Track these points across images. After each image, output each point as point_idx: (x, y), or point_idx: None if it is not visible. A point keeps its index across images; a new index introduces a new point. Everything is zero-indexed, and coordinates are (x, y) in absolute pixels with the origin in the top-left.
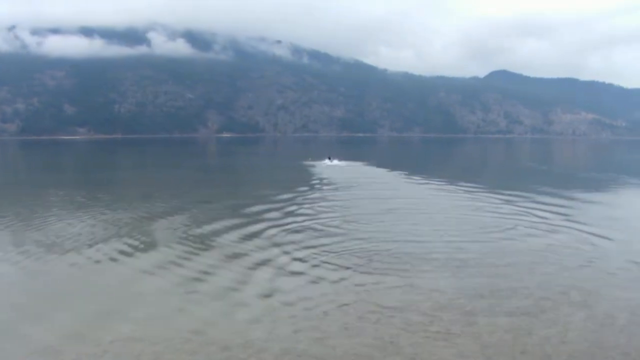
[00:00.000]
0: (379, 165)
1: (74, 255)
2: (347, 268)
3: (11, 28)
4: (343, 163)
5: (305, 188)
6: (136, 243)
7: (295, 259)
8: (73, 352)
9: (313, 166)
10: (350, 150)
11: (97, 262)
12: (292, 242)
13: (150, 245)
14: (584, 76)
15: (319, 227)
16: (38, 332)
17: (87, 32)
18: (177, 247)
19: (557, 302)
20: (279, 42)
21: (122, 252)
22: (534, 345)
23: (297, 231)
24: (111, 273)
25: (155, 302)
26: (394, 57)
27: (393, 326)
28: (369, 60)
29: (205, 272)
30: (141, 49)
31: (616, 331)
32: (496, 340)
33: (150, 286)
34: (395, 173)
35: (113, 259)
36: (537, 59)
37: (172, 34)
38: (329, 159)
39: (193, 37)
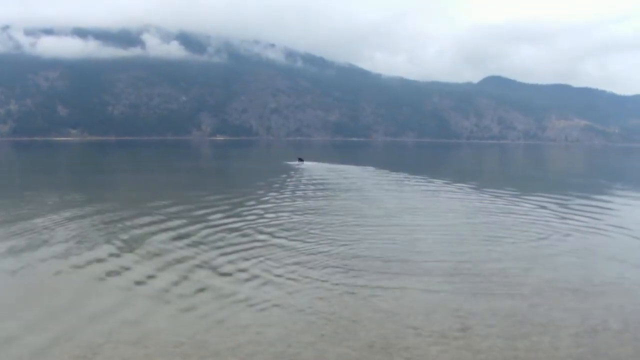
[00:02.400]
0: (377, 168)
1: (57, 256)
2: (338, 271)
3: (5, 28)
4: (322, 164)
5: (298, 191)
6: (121, 246)
7: (283, 262)
8: (64, 355)
9: (306, 169)
10: (345, 154)
11: (82, 263)
12: (284, 246)
13: (136, 248)
14: (578, 82)
15: (315, 229)
16: (26, 336)
17: (81, 33)
18: (165, 249)
19: (551, 307)
20: (272, 45)
21: (106, 254)
22: (526, 350)
23: (291, 234)
24: (96, 275)
25: (145, 305)
26: (389, 62)
27: (385, 330)
28: (364, 65)
29: (195, 276)
30: (135, 51)
31: (609, 337)
32: (489, 345)
33: (140, 289)
34: (390, 175)
35: (98, 261)
36: (531, 65)
37: (166, 36)
38: (300, 160)
39: (187, 40)
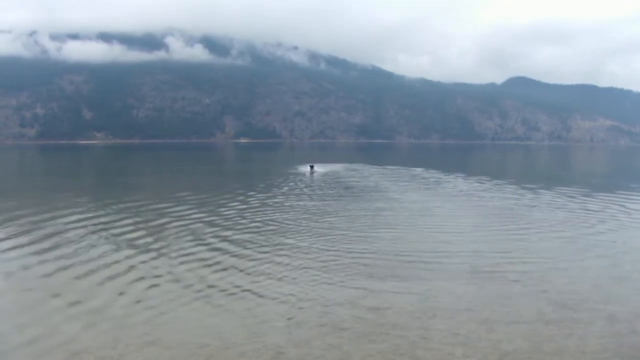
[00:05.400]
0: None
1: (74, 258)
2: (363, 273)
3: (31, 33)
4: (328, 167)
5: (324, 194)
6: (138, 247)
7: (307, 265)
8: (89, 357)
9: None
10: (376, 156)
11: (100, 266)
12: (307, 248)
13: (155, 249)
14: (603, 82)
15: (338, 231)
16: (47, 338)
17: (106, 37)
18: (181, 250)
19: (577, 310)
20: (295, 48)
21: (121, 255)
22: (553, 353)
23: (314, 236)
24: (119, 277)
25: (167, 306)
26: (412, 63)
27: (409, 332)
28: (387, 66)
29: (216, 276)
30: (159, 55)
31: (637, 340)
32: (515, 347)
33: (161, 290)
34: (412, 174)
35: (114, 262)
36: (555, 65)
37: (190, 40)
38: (311, 167)
39: (211, 43)
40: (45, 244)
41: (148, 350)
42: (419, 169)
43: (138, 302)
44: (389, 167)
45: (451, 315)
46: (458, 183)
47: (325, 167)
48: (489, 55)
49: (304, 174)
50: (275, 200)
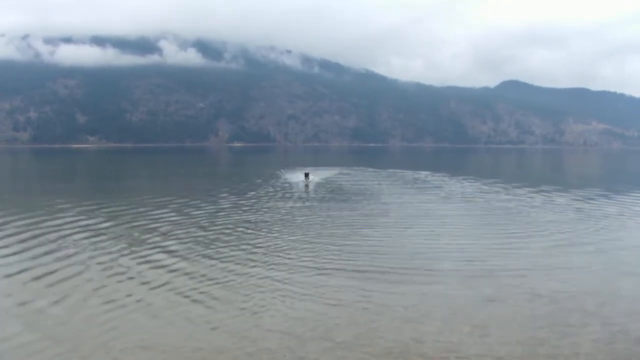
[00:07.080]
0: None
1: (64, 262)
2: (356, 277)
3: (24, 37)
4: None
5: (319, 199)
6: (136, 250)
7: (300, 269)
8: None
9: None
10: (369, 160)
11: (87, 271)
12: (301, 252)
13: (144, 253)
14: (596, 86)
15: (332, 235)
16: (49, 343)
17: (99, 41)
18: (178, 253)
19: (570, 312)
20: (289, 51)
21: (115, 260)
22: (546, 356)
23: (307, 241)
24: (116, 281)
25: (162, 311)
26: (405, 67)
27: (403, 337)
28: (380, 70)
29: (206, 279)
30: (153, 58)
31: (630, 343)
32: (509, 350)
33: (157, 295)
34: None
35: (107, 267)
36: (548, 68)
37: (184, 43)
38: (306, 175)
39: (204, 46)
40: (35, 250)
41: (142, 355)
42: (424, 172)
43: (130, 306)
44: (391, 170)
45: (444, 318)
46: (464, 185)
47: (323, 173)
48: (482, 58)
49: (297, 184)
50: (273, 205)
